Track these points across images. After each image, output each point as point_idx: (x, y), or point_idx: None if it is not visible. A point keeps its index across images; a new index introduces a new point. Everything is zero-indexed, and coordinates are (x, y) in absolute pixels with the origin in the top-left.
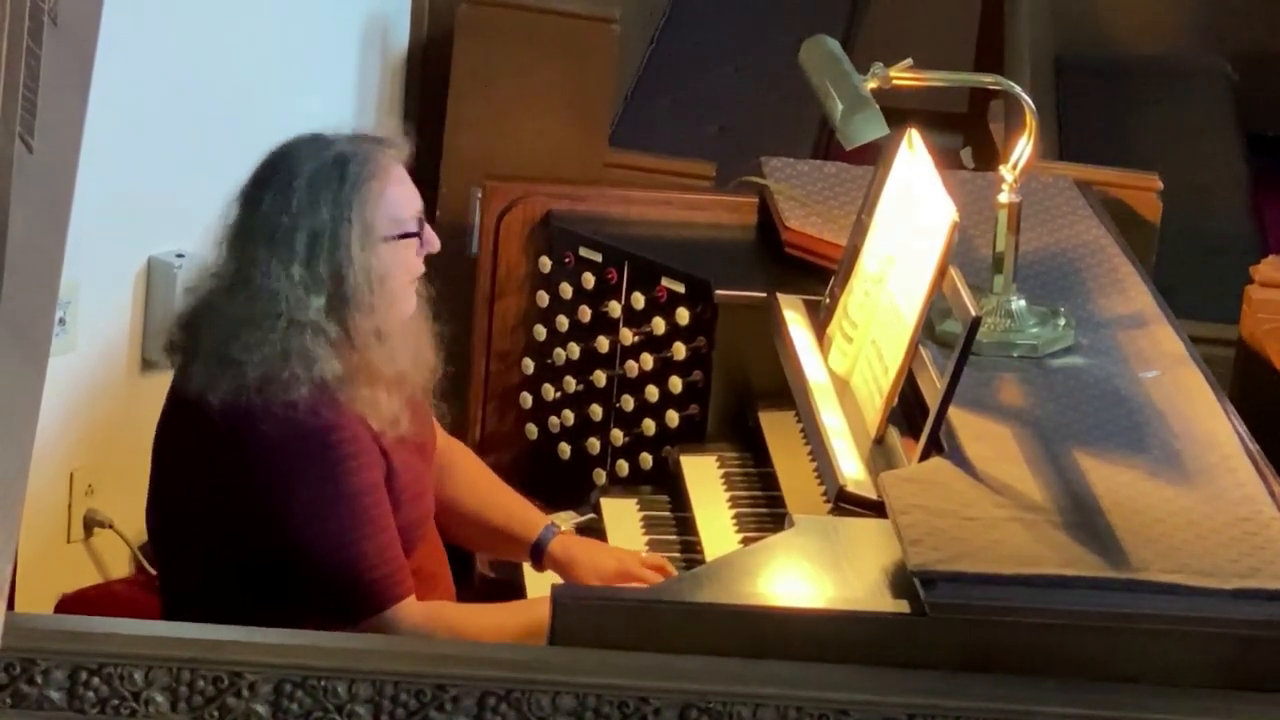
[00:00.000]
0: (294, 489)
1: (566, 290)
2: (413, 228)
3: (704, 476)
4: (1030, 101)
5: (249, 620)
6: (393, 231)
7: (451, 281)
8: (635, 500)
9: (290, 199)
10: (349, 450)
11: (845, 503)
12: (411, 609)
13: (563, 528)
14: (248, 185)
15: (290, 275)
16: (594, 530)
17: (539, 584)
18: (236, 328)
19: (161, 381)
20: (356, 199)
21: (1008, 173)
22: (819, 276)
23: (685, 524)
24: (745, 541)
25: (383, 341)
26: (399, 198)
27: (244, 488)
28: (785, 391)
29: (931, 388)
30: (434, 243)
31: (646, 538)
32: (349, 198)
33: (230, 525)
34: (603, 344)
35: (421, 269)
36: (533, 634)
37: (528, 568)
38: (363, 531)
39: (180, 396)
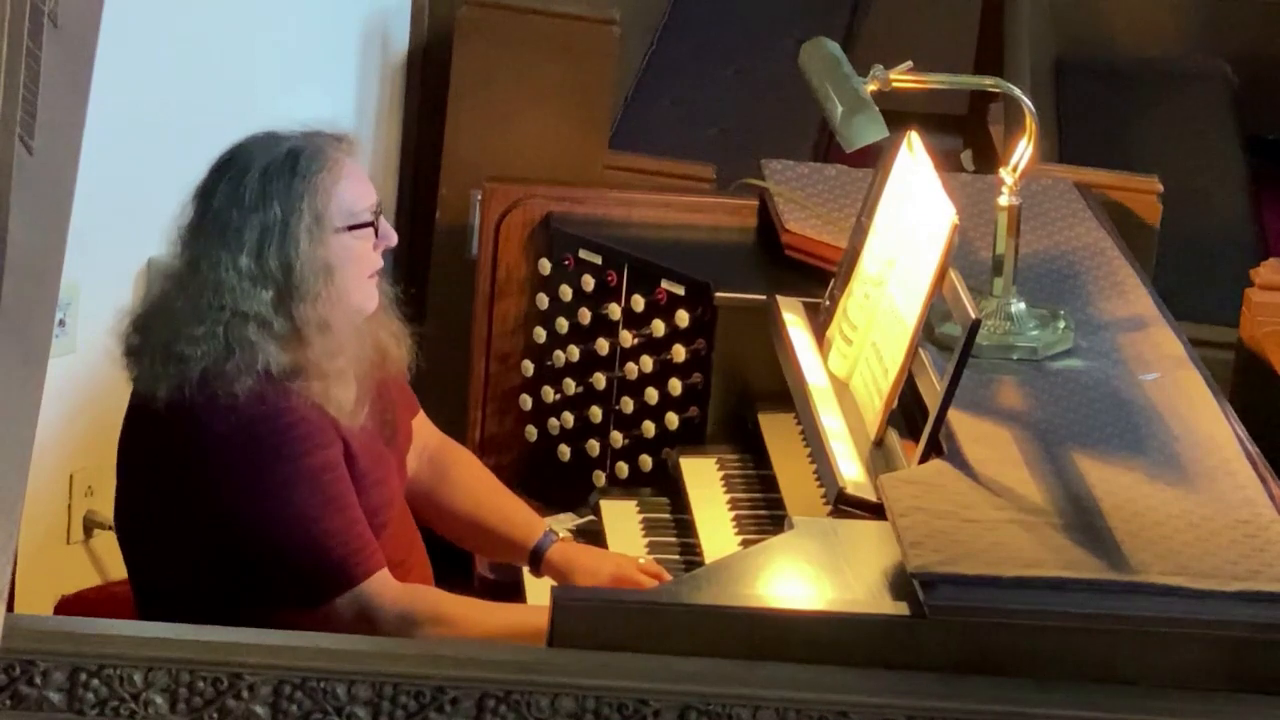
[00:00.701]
0: (247, 478)
1: (566, 292)
2: (366, 219)
3: (703, 478)
4: (1030, 104)
5: (224, 619)
6: (345, 223)
7: (451, 283)
8: (635, 502)
9: (242, 193)
10: (299, 433)
11: (845, 505)
12: (388, 582)
13: (561, 534)
14: (201, 183)
15: (238, 267)
16: (593, 532)
17: (539, 586)
18: (182, 322)
19: None
20: (308, 190)
21: (1008, 175)
22: (819, 279)
23: (685, 526)
24: (745, 543)
25: (326, 334)
26: (351, 190)
27: (198, 483)
28: (785, 393)
29: (931, 390)
30: (390, 237)
31: (646, 540)
32: (300, 189)
33: (192, 523)
34: (602, 346)
35: (379, 263)
36: (514, 634)
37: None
38: (321, 511)
39: (133, 399)
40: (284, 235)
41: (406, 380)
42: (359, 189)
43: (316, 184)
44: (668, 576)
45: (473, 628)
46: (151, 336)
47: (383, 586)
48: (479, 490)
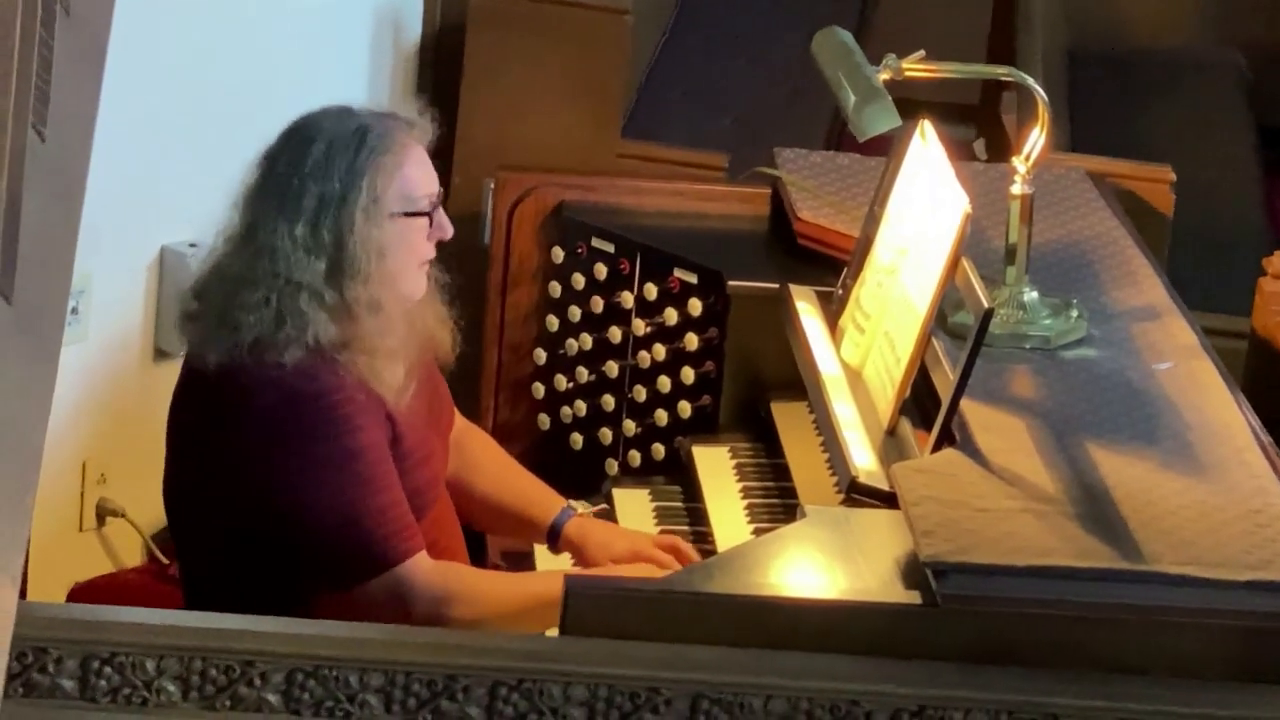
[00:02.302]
0: (290, 453)
1: (579, 281)
2: (423, 207)
3: (716, 467)
4: (1043, 93)
5: (265, 592)
6: (401, 208)
7: (464, 272)
8: (647, 491)
9: (305, 162)
10: (345, 411)
11: (857, 494)
12: (424, 564)
13: (579, 510)
14: (269, 147)
15: (294, 235)
16: (606, 521)
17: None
18: (237, 287)
19: (174, 371)
20: (369, 169)
21: (1020, 164)
22: (831, 268)
23: (697, 514)
24: (757, 532)
25: (376, 314)
26: (413, 177)
27: (242, 454)
28: (797, 382)
29: (944, 379)
30: (446, 229)
31: (658, 528)
32: (362, 167)
33: (234, 493)
34: (615, 334)
35: (431, 253)
36: (544, 602)
37: (540, 555)
38: (364, 490)
39: (186, 365)
40: (340, 210)
41: (448, 363)
42: (420, 177)
43: (379, 165)
44: (686, 547)
45: (505, 601)
46: (208, 302)
47: (418, 569)
48: (498, 472)
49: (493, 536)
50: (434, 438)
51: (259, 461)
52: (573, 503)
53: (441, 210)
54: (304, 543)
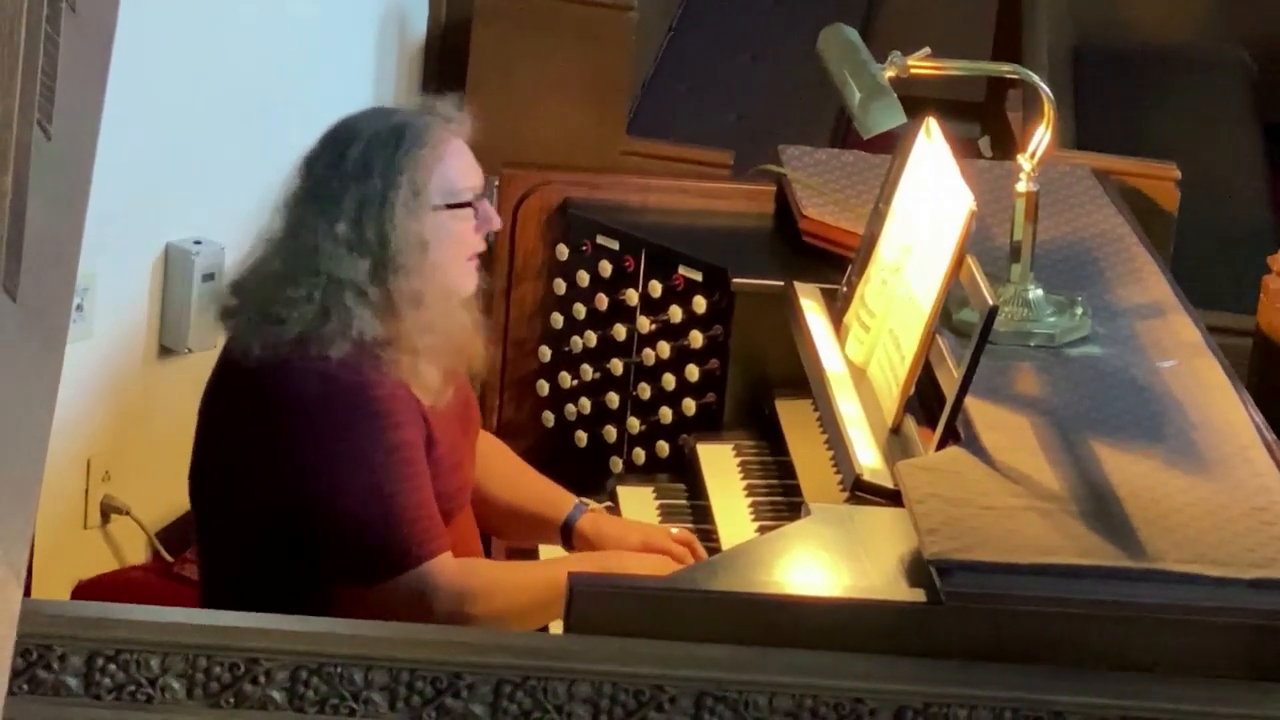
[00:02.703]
0: (329, 443)
1: (583, 278)
2: (465, 199)
3: (720, 465)
4: (1048, 90)
5: (285, 584)
6: (443, 200)
7: None
8: (652, 488)
9: (345, 162)
10: (386, 407)
11: (862, 491)
12: (446, 565)
13: (592, 505)
14: (308, 152)
15: (335, 234)
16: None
17: None
18: (280, 284)
19: (179, 368)
20: (409, 164)
21: (1025, 162)
22: (836, 265)
23: (701, 512)
24: (762, 530)
25: (419, 308)
26: (454, 168)
27: (280, 442)
28: (802, 380)
29: (948, 377)
30: (494, 220)
31: (663, 526)
32: (401, 162)
33: (266, 482)
34: (620, 332)
35: (480, 246)
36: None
37: (544, 548)
38: (397, 487)
39: (225, 357)
40: (382, 206)
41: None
42: (462, 168)
43: (418, 159)
44: (700, 548)
45: (525, 592)
46: (248, 298)
47: (443, 569)
48: (509, 474)
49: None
50: (464, 447)
51: (296, 448)
52: (584, 500)
53: (487, 202)
54: (333, 534)
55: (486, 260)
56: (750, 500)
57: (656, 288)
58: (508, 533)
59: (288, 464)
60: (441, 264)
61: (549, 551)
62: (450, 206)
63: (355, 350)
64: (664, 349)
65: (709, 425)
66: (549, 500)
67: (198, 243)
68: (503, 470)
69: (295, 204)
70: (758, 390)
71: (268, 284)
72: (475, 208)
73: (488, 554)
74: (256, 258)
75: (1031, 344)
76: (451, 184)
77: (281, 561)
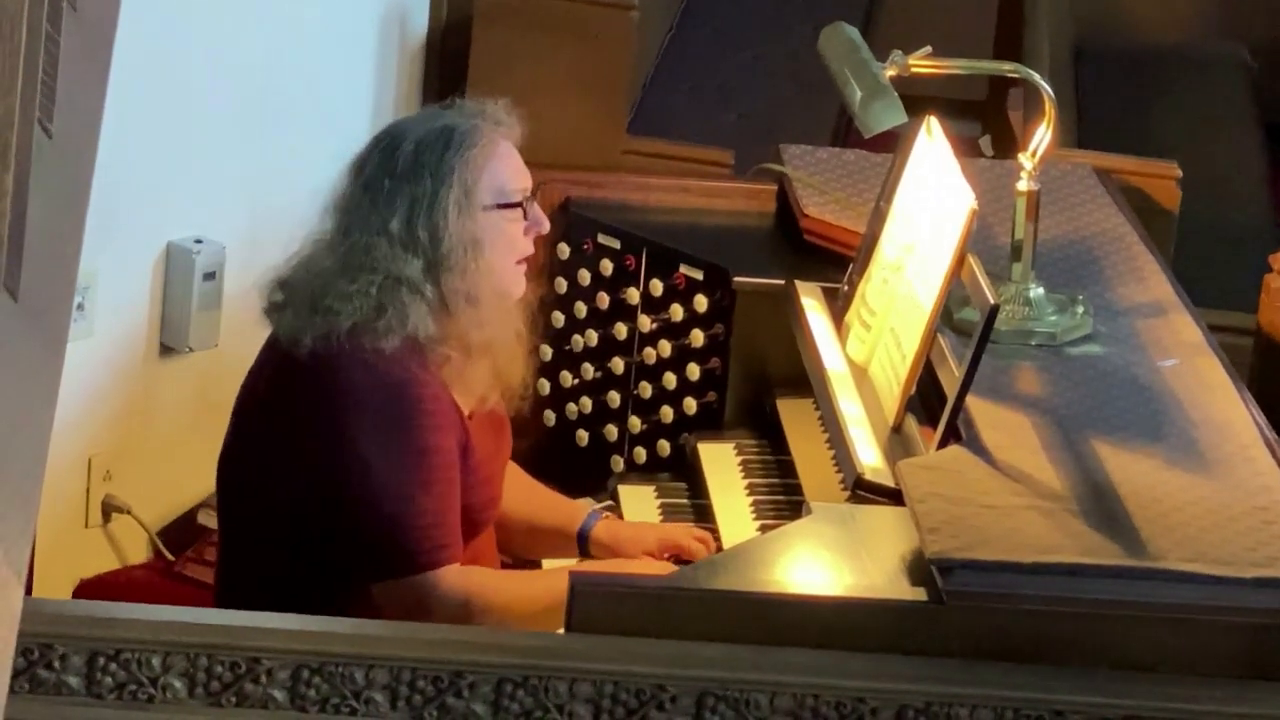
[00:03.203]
0: (363, 434)
1: (585, 277)
2: (515, 199)
3: (722, 464)
4: (1049, 89)
5: (298, 572)
6: (493, 200)
7: None
8: (653, 488)
9: (395, 163)
10: (429, 408)
11: (863, 490)
12: (452, 576)
13: (604, 513)
14: (358, 156)
15: (389, 232)
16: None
17: None
18: (333, 279)
19: (180, 367)
20: (459, 164)
21: (1026, 160)
22: (837, 264)
23: (703, 511)
24: (763, 529)
25: (474, 306)
26: (503, 169)
27: (320, 426)
28: (803, 379)
29: (950, 376)
30: (543, 223)
31: (680, 524)
32: (451, 162)
33: (297, 465)
34: (621, 331)
35: (529, 248)
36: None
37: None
38: (424, 489)
39: (271, 349)
40: (433, 206)
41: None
42: (511, 169)
43: (468, 159)
44: (714, 546)
45: (527, 604)
46: (297, 293)
47: (449, 578)
48: (523, 490)
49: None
50: (496, 463)
51: (336, 438)
52: (596, 507)
53: (536, 205)
54: (348, 525)
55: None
56: (751, 499)
57: (658, 286)
58: (525, 549)
59: (320, 449)
60: (493, 264)
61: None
62: (501, 206)
63: (407, 346)
64: (665, 348)
65: (710, 424)
66: (563, 511)
67: (199, 242)
68: (514, 486)
69: (346, 205)
70: (759, 389)
71: (320, 279)
72: (525, 209)
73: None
74: (305, 256)
75: (1033, 343)
76: (502, 184)
77: (297, 548)
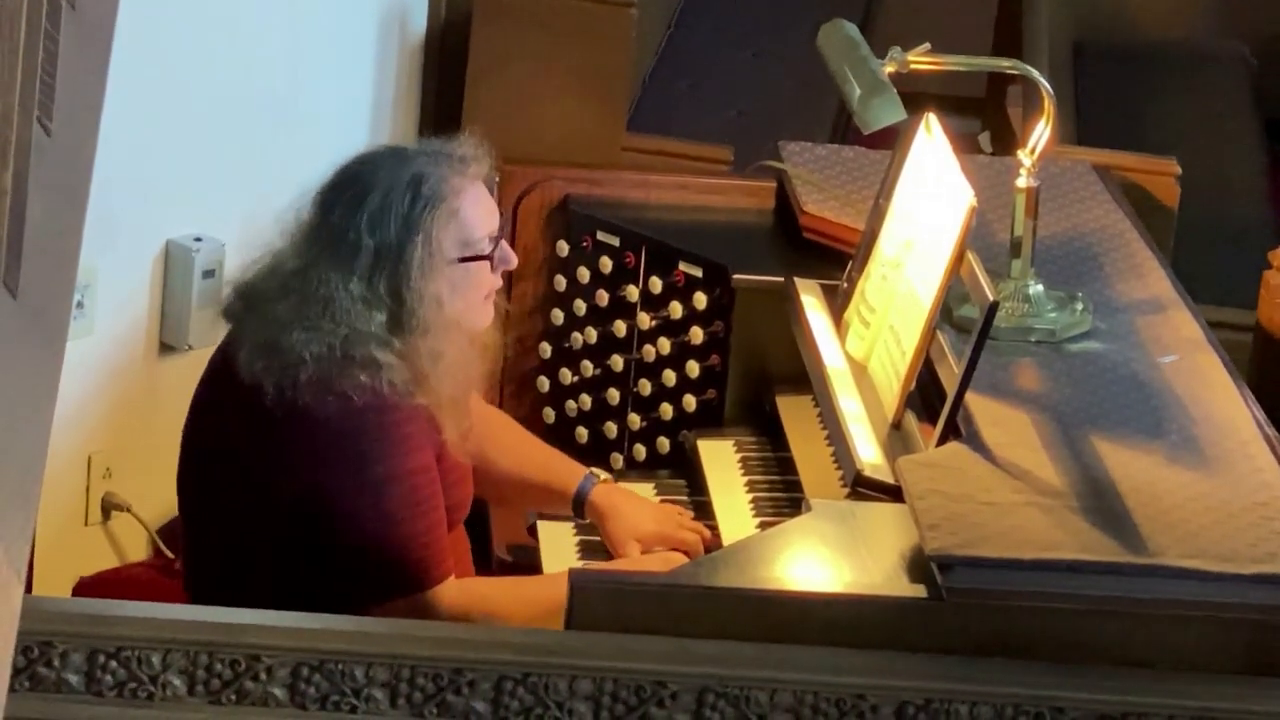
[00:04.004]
0: (348, 465)
1: (584, 274)
2: (484, 249)
3: (721, 461)
4: (1048, 86)
5: (280, 596)
6: (459, 254)
7: None
8: (652, 485)
9: (361, 213)
10: (404, 431)
11: (862, 487)
12: (450, 591)
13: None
14: (324, 190)
15: (349, 290)
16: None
17: (556, 568)
18: (291, 322)
19: (179, 365)
20: (424, 222)
21: (1026, 157)
22: (836, 261)
23: (702, 508)
24: (762, 526)
25: (437, 364)
26: (471, 219)
27: (296, 474)
28: (802, 376)
29: (949, 373)
30: (510, 260)
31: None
32: (417, 219)
33: (275, 498)
34: (620, 328)
35: (498, 283)
36: (561, 609)
37: (545, 553)
38: (414, 511)
39: (229, 375)
40: (396, 264)
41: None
42: (478, 217)
43: (435, 216)
44: (707, 534)
45: (523, 614)
46: (256, 321)
47: (443, 595)
48: (519, 447)
49: (498, 534)
50: (466, 463)
51: (311, 469)
52: (594, 470)
53: (504, 244)
54: (338, 555)
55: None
56: (751, 496)
57: (657, 284)
58: (517, 503)
59: (299, 482)
60: (458, 314)
61: (547, 556)
62: (465, 260)
63: (376, 384)
64: (664, 345)
65: (710, 421)
66: (558, 471)
67: (198, 239)
68: (509, 441)
69: (308, 244)
70: (758, 386)
71: (274, 320)
72: (491, 258)
73: (486, 545)
74: (267, 285)
75: (1032, 339)
76: (469, 235)
77: (277, 578)
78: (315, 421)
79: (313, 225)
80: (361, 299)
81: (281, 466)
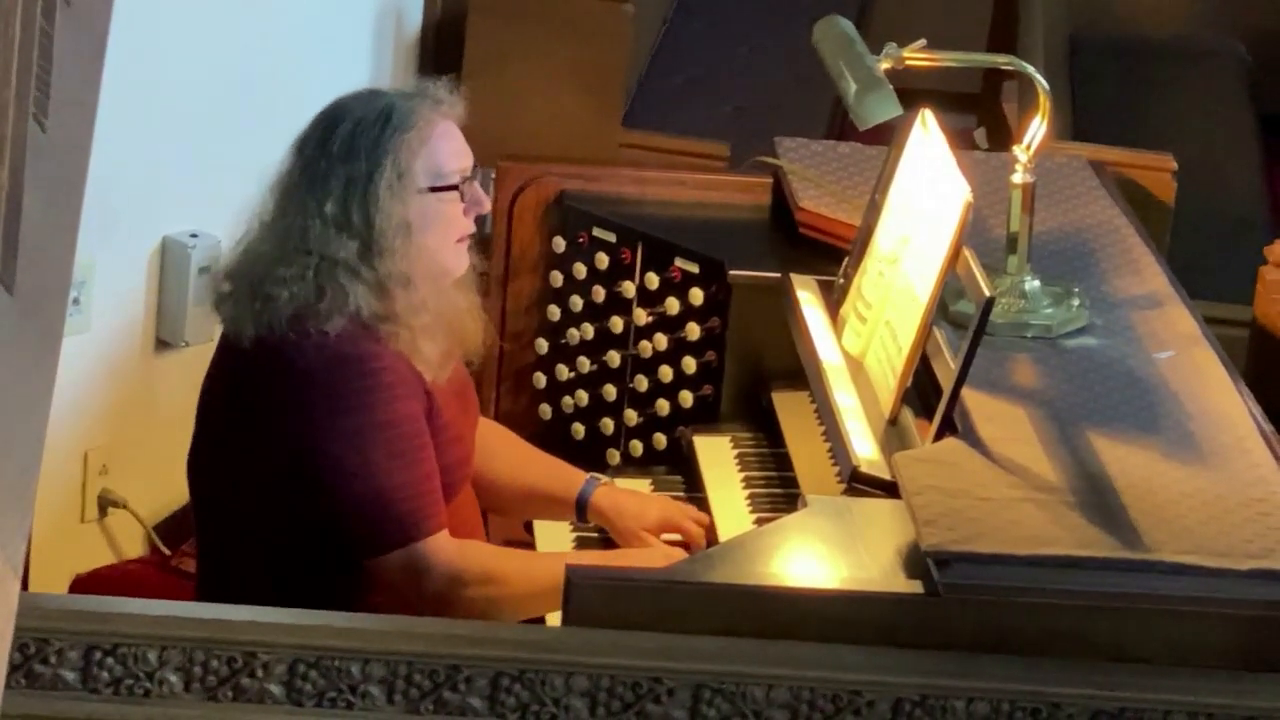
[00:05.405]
0: (327, 417)
1: (580, 270)
2: (452, 181)
3: (718, 457)
4: (1044, 82)
5: (282, 563)
6: (429, 183)
7: None
8: (649, 481)
9: (332, 143)
10: (387, 380)
11: (859, 483)
12: (442, 545)
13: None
14: (300, 134)
15: (324, 214)
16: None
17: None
18: (270, 264)
19: (176, 361)
20: (394, 147)
21: (1022, 153)
22: (833, 257)
23: (699, 505)
24: (759, 522)
25: (409, 288)
26: (441, 151)
27: (278, 415)
28: (799, 372)
29: (945, 368)
30: (483, 203)
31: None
32: (387, 144)
33: (268, 455)
34: (616, 324)
35: (470, 228)
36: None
37: (540, 540)
38: (397, 461)
39: (222, 344)
40: (366, 188)
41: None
42: (449, 150)
43: (404, 141)
44: (706, 521)
45: (521, 583)
46: (240, 281)
47: (439, 548)
48: (516, 456)
49: (494, 532)
50: (464, 424)
51: (295, 422)
52: (595, 474)
53: (476, 185)
54: (329, 508)
55: (481, 244)
56: (747, 492)
57: (653, 280)
58: (519, 513)
59: (287, 437)
60: (428, 246)
61: (554, 547)
62: (435, 189)
63: (353, 325)
64: (661, 341)
65: (706, 417)
66: (559, 478)
67: (194, 235)
68: (509, 453)
69: (285, 185)
70: (755, 382)
71: (259, 264)
72: (462, 190)
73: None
74: (248, 241)
75: (1028, 335)
76: (438, 167)
77: (277, 540)
78: (298, 373)
79: (289, 168)
80: (335, 223)
81: (267, 421)
